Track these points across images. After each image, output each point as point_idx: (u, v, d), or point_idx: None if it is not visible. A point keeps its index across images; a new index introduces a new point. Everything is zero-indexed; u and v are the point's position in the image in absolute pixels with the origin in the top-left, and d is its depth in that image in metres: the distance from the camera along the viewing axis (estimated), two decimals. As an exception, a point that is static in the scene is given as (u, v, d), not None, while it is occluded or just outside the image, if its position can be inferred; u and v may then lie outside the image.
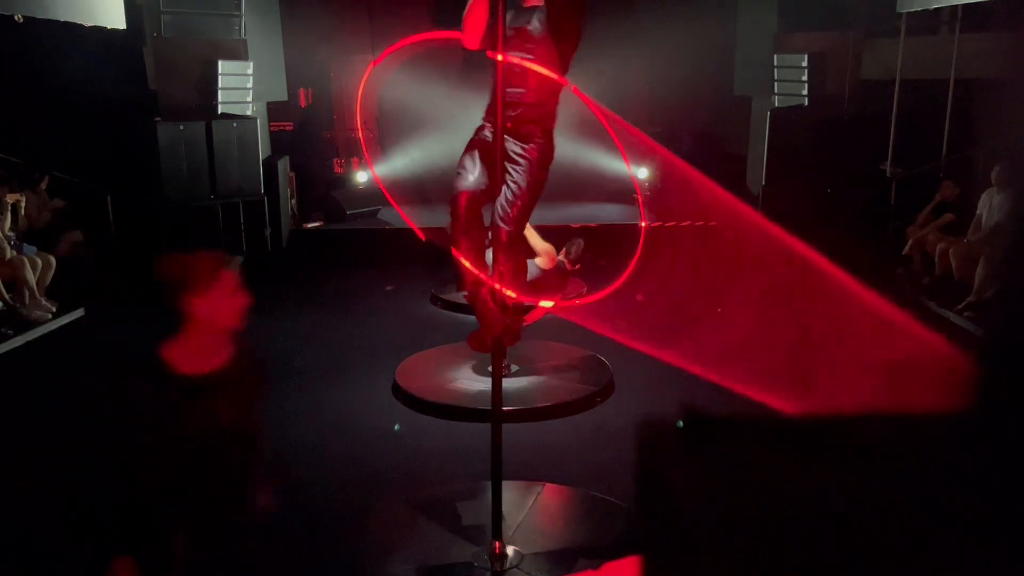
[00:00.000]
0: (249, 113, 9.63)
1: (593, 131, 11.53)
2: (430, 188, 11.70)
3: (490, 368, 3.70)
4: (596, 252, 6.53)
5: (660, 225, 10.15)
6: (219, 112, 9.27)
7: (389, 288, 8.48)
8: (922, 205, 8.17)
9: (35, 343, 6.91)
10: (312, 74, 11.36)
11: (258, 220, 9.61)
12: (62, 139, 8.41)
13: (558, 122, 3.53)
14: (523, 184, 3.44)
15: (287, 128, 11.78)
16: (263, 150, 9.80)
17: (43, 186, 8.18)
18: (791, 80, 9.96)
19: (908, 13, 8.73)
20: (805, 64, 9.77)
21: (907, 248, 8.06)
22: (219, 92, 9.27)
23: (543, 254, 5.70)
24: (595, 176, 11.39)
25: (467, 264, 3.54)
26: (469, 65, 11.16)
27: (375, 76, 11.97)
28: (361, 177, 11.67)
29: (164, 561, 2.93)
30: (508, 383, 5.62)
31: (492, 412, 3.54)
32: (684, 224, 10.13)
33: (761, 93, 10.59)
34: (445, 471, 4.50)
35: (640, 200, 7.80)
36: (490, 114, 3.42)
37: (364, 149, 9.86)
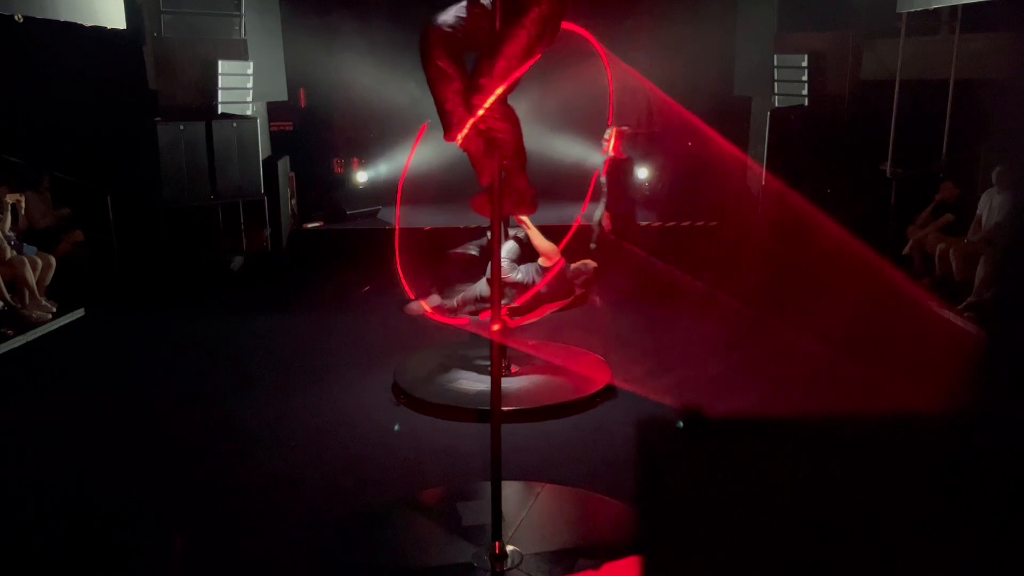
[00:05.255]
0: (249, 113, 9.63)
1: (594, 130, 11.56)
2: (429, 187, 11.71)
3: (490, 367, 3.69)
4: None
5: (661, 226, 10.16)
6: (219, 112, 9.27)
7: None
8: (922, 205, 8.17)
9: (35, 343, 6.91)
10: (312, 74, 11.35)
11: (258, 220, 9.61)
12: (62, 139, 8.41)
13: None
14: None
15: (287, 128, 11.77)
16: (263, 150, 9.80)
17: (45, 186, 8.19)
18: (791, 80, 9.96)
19: (908, 13, 8.73)
20: (805, 64, 9.77)
21: (907, 248, 8.06)
22: (219, 92, 9.28)
23: (545, 253, 5.57)
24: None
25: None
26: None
27: (370, 75, 11.78)
28: (361, 177, 11.66)
29: (164, 560, 2.93)
30: (508, 383, 5.62)
31: (492, 412, 3.54)
32: (684, 224, 10.14)
33: (761, 93, 10.59)
34: (445, 471, 4.50)
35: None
36: None
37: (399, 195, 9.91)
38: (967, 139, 8.46)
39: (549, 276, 5.53)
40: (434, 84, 3.33)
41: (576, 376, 5.74)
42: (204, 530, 3.89)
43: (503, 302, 5.41)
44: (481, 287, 5.68)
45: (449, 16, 3.32)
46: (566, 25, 3.35)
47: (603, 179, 7.73)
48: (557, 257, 5.58)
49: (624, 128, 7.35)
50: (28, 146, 8.30)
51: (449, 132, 3.34)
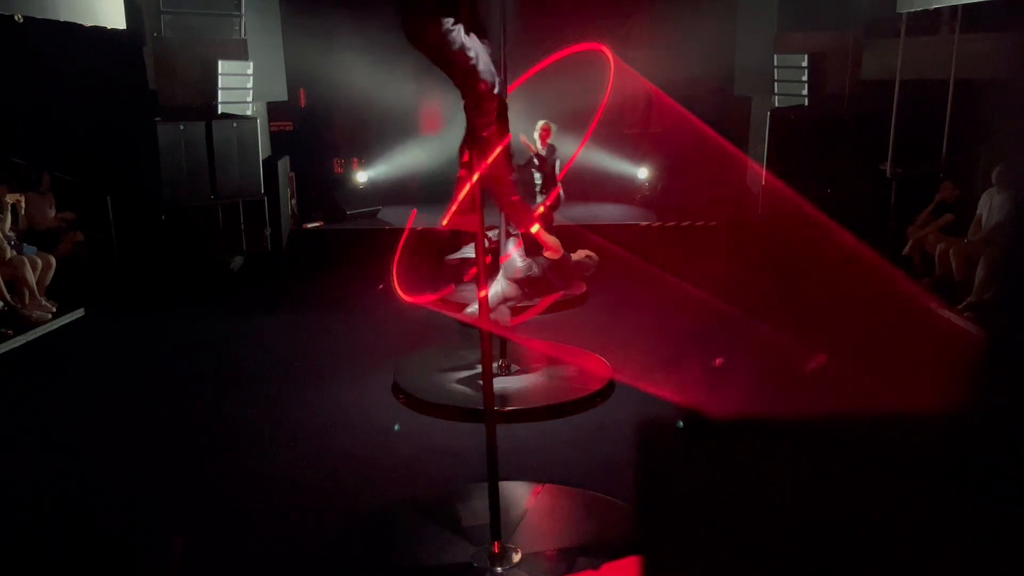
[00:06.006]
0: (249, 113, 9.63)
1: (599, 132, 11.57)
2: (429, 187, 11.72)
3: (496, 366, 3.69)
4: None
5: (661, 225, 10.17)
6: (219, 112, 9.27)
7: (381, 287, 8.44)
8: (922, 205, 8.17)
9: (35, 343, 6.91)
10: (312, 74, 11.36)
11: (258, 220, 9.60)
12: (62, 139, 8.41)
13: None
14: None
15: (287, 128, 11.78)
16: (263, 150, 9.80)
17: (47, 186, 8.19)
18: (791, 80, 9.96)
19: (908, 13, 8.73)
20: (805, 64, 9.77)
21: (907, 248, 8.06)
22: (219, 92, 9.28)
23: (550, 246, 5.57)
24: (599, 176, 11.40)
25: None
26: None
27: (370, 75, 11.74)
28: (361, 177, 11.66)
29: (164, 560, 2.93)
30: (508, 383, 5.64)
31: (485, 411, 3.54)
32: (684, 224, 10.14)
33: (761, 93, 10.59)
34: (445, 471, 4.50)
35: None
36: None
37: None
38: (967, 139, 8.46)
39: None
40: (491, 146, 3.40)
41: (576, 376, 5.75)
42: (204, 530, 3.89)
43: (516, 303, 5.47)
44: (503, 287, 5.67)
45: (491, 73, 3.31)
46: (590, 45, 3.36)
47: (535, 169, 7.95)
48: (561, 250, 5.60)
49: (551, 125, 7.67)
50: (28, 146, 8.31)
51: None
